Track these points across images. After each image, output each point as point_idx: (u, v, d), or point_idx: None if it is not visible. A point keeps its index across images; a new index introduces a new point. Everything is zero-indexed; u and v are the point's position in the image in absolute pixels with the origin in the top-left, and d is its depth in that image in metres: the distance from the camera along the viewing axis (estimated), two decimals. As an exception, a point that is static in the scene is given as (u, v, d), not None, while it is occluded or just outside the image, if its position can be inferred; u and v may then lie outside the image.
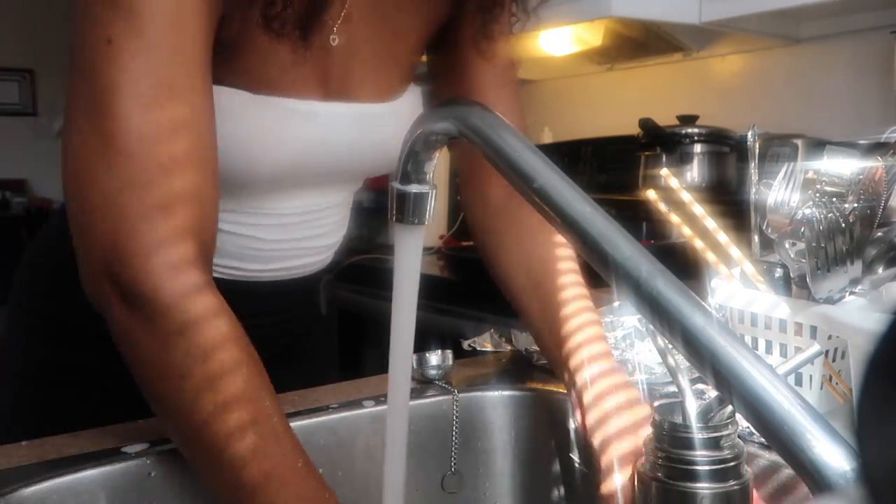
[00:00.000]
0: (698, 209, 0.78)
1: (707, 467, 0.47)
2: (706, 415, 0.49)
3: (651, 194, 0.80)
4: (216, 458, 0.55)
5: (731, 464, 0.48)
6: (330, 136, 0.78)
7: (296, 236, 0.84)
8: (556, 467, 0.79)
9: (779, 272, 0.75)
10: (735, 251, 0.76)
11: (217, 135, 0.64)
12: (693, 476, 0.47)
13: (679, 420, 0.49)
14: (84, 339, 0.81)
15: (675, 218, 0.79)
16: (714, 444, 0.48)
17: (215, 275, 0.73)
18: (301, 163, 0.77)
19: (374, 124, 0.82)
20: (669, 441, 0.48)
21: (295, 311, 0.93)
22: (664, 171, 0.79)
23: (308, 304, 0.97)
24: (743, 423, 0.66)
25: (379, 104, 0.82)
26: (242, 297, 0.79)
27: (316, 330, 1.02)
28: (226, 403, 0.56)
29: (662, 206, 0.79)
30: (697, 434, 0.48)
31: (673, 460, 0.48)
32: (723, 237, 0.77)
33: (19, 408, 0.84)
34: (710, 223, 0.77)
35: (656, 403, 0.51)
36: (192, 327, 0.57)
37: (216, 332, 0.57)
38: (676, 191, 0.78)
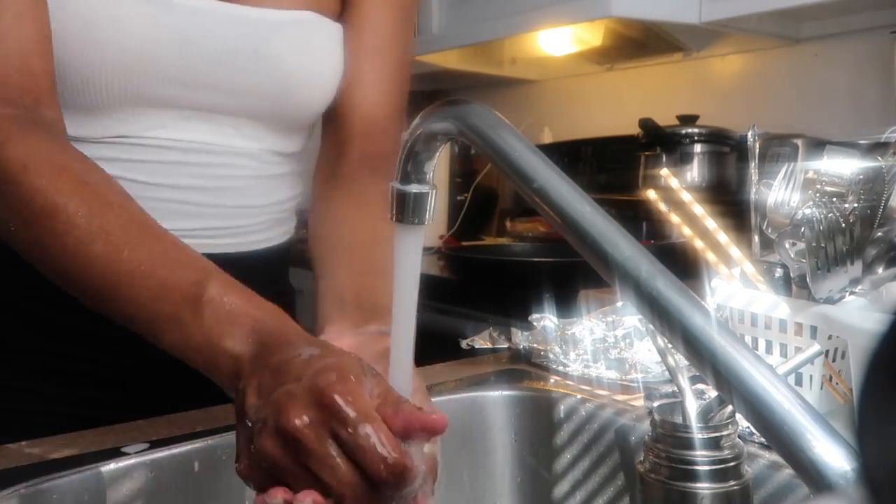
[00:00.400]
0: (698, 209, 0.78)
1: (707, 467, 0.47)
2: (706, 415, 0.49)
3: (651, 194, 0.80)
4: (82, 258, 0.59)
5: (732, 464, 0.48)
6: (192, 31, 0.73)
7: (175, 181, 0.77)
8: (557, 467, 0.79)
9: (779, 272, 0.75)
10: (735, 251, 0.76)
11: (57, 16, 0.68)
12: (693, 476, 0.47)
13: (679, 420, 0.49)
14: (60, 331, 0.80)
15: (675, 218, 0.79)
16: (714, 444, 0.48)
17: None
18: (153, 59, 0.72)
19: (261, 31, 0.76)
20: (670, 441, 0.49)
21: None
22: (664, 171, 0.79)
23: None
24: (743, 423, 0.66)
25: (270, 9, 0.77)
26: None
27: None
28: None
29: (662, 206, 0.79)
30: (697, 434, 0.48)
31: (673, 460, 0.48)
32: (723, 237, 0.77)
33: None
34: (711, 223, 0.77)
35: (656, 403, 0.52)
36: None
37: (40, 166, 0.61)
38: (676, 191, 0.78)
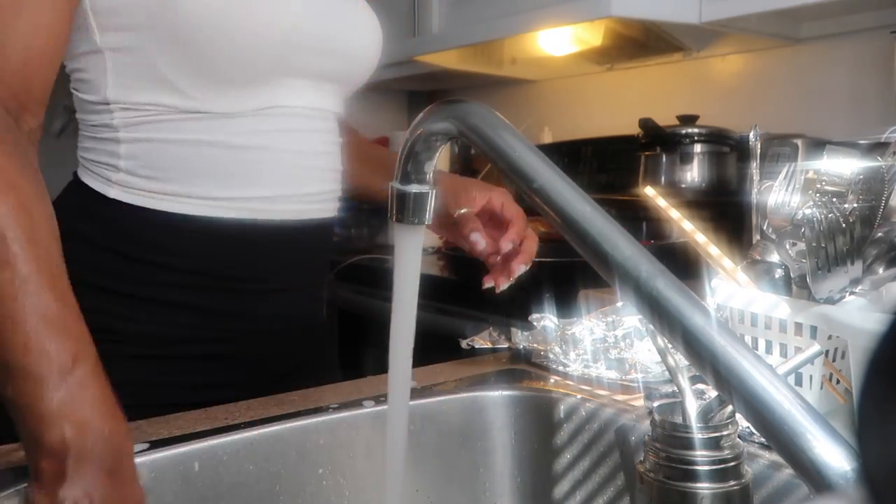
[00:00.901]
0: (687, 225, 0.77)
1: (707, 467, 0.47)
2: (706, 415, 0.49)
3: (649, 191, 0.80)
4: None
5: (732, 464, 0.48)
6: (320, 2, 0.84)
7: (308, 148, 0.85)
8: (557, 467, 0.79)
9: (779, 272, 0.75)
10: (728, 262, 0.76)
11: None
12: (693, 476, 0.47)
13: (679, 420, 0.49)
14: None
15: (674, 214, 0.79)
16: (714, 444, 0.48)
17: (231, 213, 0.81)
18: (300, 29, 0.81)
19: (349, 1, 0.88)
20: (669, 441, 0.48)
21: (308, 280, 0.92)
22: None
23: (318, 273, 0.96)
24: (743, 423, 0.66)
25: None
26: (260, 247, 0.83)
27: (317, 332, 1.02)
28: None
29: (661, 202, 0.79)
30: (697, 434, 0.48)
31: (673, 460, 0.48)
32: (714, 250, 0.76)
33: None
34: (701, 237, 0.77)
35: (656, 403, 0.51)
36: None
37: None
38: (665, 209, 0.78)
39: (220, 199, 0.81)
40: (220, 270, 0.83)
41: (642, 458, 0.51)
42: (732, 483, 0.48)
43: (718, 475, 0.47)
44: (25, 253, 0.57)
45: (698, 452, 0.48)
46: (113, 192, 0.80)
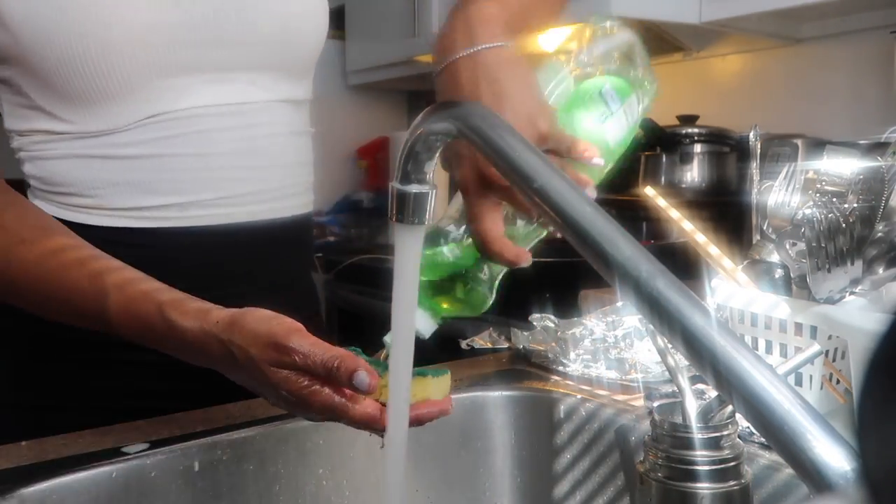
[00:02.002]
0: (687, 225, 0.77)
1: (707, 467, 0.47)
2: (706, 415, 0.49)
3: (649, 191, 0.80)
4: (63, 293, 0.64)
5: (732, 464, 0.48)
6: None
7: (222, 148, 0.79)
8: (557, 467, 0.79)
9: (779, 272, 0.75)
10: (728, 262, 0.76)
11: None
12: (693, 476, 0.47)
13: (679, 420, 0.49)
14: (68, 348, 0.80)
15: (674, 214, 0.79)
16: (714, 444, 0.48)
17: (148, 223, 0.78)
18: (161, 24, 0.74)
19: None
20: (669, 441, 0.48)
21: (255, 287, 0.84)
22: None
23: (301, 271, 0.92)
24: (743, 423, 0.66)
25: None
26: (229, 247, 0.80)
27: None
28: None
29: (661, 202, 0.79)
30: (697, 434, 0.48)
31: (673, 460, 0.48)
32: (714, 250, 0.76)
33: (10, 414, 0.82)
34: (701, 238, 0.77)
35: (656, 403, 0.51)
36: None
37: None
38: (665, 209, 0.78)
39: (143, 208, 0.78)
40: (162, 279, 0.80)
41: (642, 458, 0.51)
42: (732, 483, 0.48)
43: (718, 475, 0.47)
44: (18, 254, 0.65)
45: (698, 452, 0.48)
46: (47, 209, 0.78)
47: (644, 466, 0.50)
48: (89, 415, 0.75)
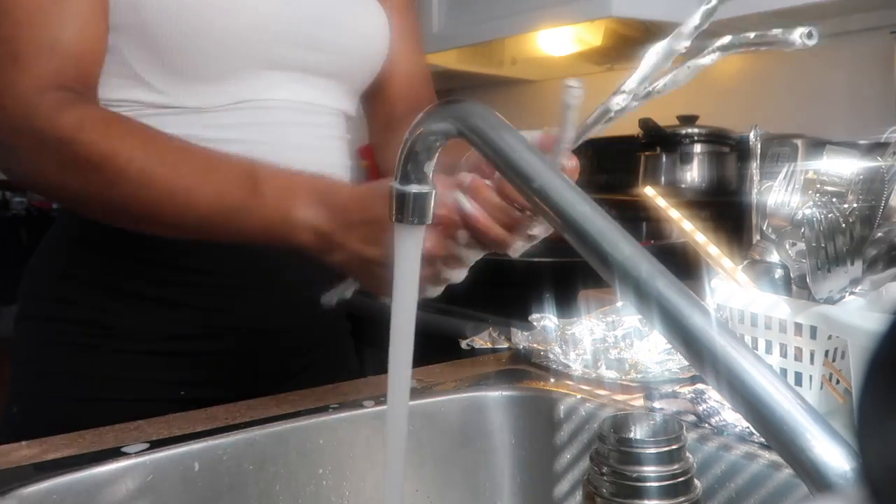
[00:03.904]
0: (687, 225, 0.77)
1: (656, 483, 0.45)
2: (656, 429, 0.48)
3: (649, 191, 0.80)
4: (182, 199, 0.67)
5: (681, 479, 0.46)
6: None
7: (292, 141, 0.84)
8: (557, 467, 0.79)
9: (779, 272, 0.75)
10: (728, 262, 0.76)
11: None
12: (642, 493, 0.45)
13: (628, 434, 0.48)
14: (92, 343, 0.82)
15: (674, 214, 0.79)
16: (663, 458, 0.46)
17: None
18: (277, 21, 0.79)
19: None
20: (616, 457, 0.46)
21: (303, 278, 0.87)
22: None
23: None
24: (743, 423, 0.66)
25: None
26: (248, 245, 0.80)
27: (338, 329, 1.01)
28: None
29: (661, 202, 0.79)
30: (646, 449, 0.46)
31: (620, 476, 0.46)
32: (714, 250, 0.76)
33: (33, 414, 0.84)
34: (700, 237, 0.77)
35: (604, 419, 0.49)
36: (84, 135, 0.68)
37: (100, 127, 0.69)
38: (665, 209, 0.78)
39: None
40: (208, 268, 0.83)
41: (587, 475, 0.48)
42: (682, 500, 0.46)
43: (668, 491, 0.45)
44: (156, 146, 0.69)
45: (647, 468, 0.45)
46: None
47: (590, 485, 0.47)
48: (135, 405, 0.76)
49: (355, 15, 0.89)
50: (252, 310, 0.86)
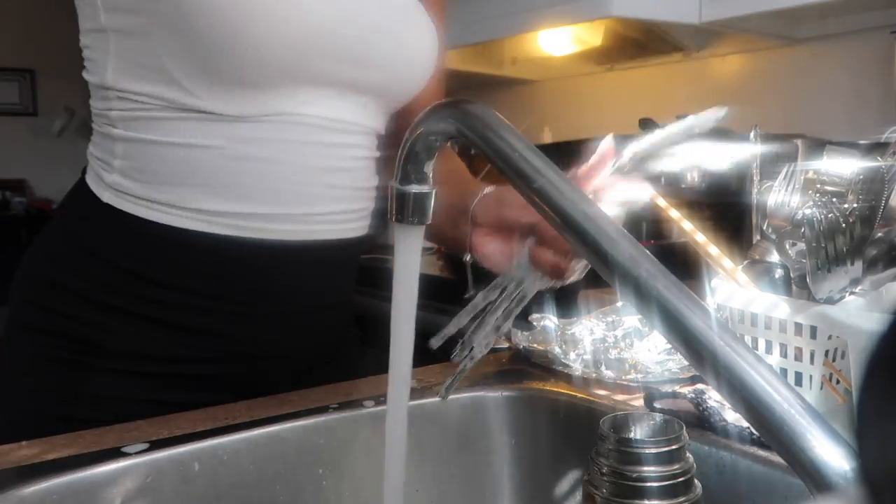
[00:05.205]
0: (687, 225, 0.77)
1: (657, 483, 0.45)
2: (656, 430, 0.48)
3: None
4: None
5: (681, 479, 0.46)
6: (350, 7, 0.76)
7: (318, 163, 0.79)
8: (557, 467, 0.79)
9: (779, 272, 0.75)
10: (728, 262, 0.76)
11: None
12: (642, 493, 0.45)
13: (628, 434, 0.48)
14: (86, 350, 0.79)
15: (674, 214, 0.79)
16: (663, 459, 0.46)
17: (224, 230, 0.77)
18: (326, 35, 0.75)
19: (395, 10, 0.82)
20: (616, 457, 0.46)
21: (313, 304, 0.86)
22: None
23: (346, 296, 0.92)
24: (743, 424, 0.66)
25: None
26: (257, 269, 0.79)
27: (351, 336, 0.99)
28: None
29: (661, 202, 0.79)
30: (646, 449, 0.46)
31: (620, 476, 0.46)
32: (714, 250, 0.76)
33: (25, 417, 0.81)
34: (701, 237, 0.77)
35: (604, 419, 0.49)
36: None
37: None
38: (665, 209, 0.78)
39: (213, 213, 0.76)
40: (210, 290, 0.78)
41: (587, 475, 0.48)
42: (682, 500, 0.46)
43: (669, 491, 0.45)
44: None
45: (647, 468, 0.45)
46: (106, 196, 0.77)
47: (590, 485, 0.47)
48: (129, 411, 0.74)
49: (411, 27, 0.84)
50: (257, 334, 0.82)
